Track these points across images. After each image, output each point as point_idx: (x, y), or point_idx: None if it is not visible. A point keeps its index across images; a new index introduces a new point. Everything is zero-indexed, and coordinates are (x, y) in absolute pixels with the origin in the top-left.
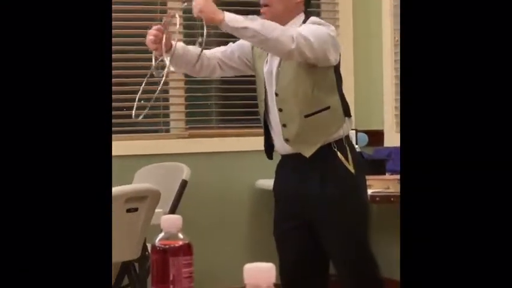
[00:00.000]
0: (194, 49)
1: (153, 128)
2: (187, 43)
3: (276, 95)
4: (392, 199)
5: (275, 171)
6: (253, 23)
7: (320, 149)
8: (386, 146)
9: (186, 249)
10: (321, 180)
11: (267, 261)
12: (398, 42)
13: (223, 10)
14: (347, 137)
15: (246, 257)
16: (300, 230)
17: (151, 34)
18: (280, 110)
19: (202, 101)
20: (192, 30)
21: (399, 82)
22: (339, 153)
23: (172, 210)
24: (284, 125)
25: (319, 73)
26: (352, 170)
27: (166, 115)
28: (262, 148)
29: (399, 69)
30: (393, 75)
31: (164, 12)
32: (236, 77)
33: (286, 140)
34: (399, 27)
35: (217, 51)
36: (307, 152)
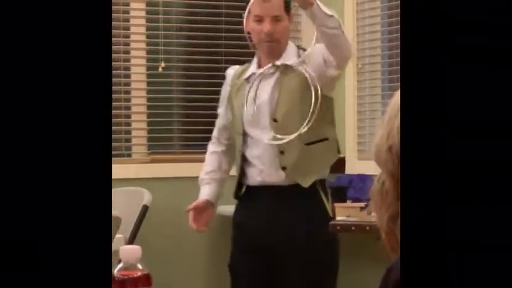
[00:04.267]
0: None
1: (114, 152)
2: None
3: (275, 120)
4: (353, 228)
5: (242, 200)
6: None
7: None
8: (348, 174)
9: (145, 280)
10: (307, 222)
11: (225, 286)
12: (361, 70)
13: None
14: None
15: (203, 284)
16: (266, 266)
17: (195, 220)
18: None
19: (165, 126)
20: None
21: (360, 110)
22: (322, 195)
23: (133, 236)
24: (282, 152)
25: (322, 102)
26: (331, 214)
27: (128, 140)
28: None
29: (360, 97)
30: (355, 103)
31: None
32: (199, 102)
33: (283, 168)
34: (360, 55)
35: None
36: (305, 183)
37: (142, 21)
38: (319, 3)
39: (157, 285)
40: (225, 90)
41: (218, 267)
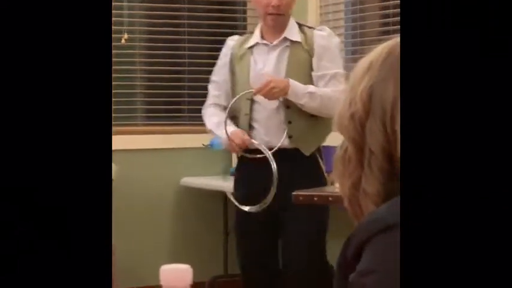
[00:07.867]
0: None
1: None
2: None
3: None
4: (315, 198)
5: (240, 168)
6: (313, 99)
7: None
8: None
9: None
10: (300, 178)
11: (190, 257)
12: None
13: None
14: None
15: (168, 255)
16: (268, 224)
17: (238, 141)
18: (287, 107)
19: (128, 98)
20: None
21: None
22: (320, 160)
23: None
24: (289, 122)
25: None
26: (326, 177)
27: None
28: (188, 146)
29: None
30: None
31: None
32: (162, 73)
33: (290, 137)
34: None
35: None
36: (308, 151)
37: None
38: (293, 92)
39: (122, 256)
40: (225, 58)
41: (183, 238)
